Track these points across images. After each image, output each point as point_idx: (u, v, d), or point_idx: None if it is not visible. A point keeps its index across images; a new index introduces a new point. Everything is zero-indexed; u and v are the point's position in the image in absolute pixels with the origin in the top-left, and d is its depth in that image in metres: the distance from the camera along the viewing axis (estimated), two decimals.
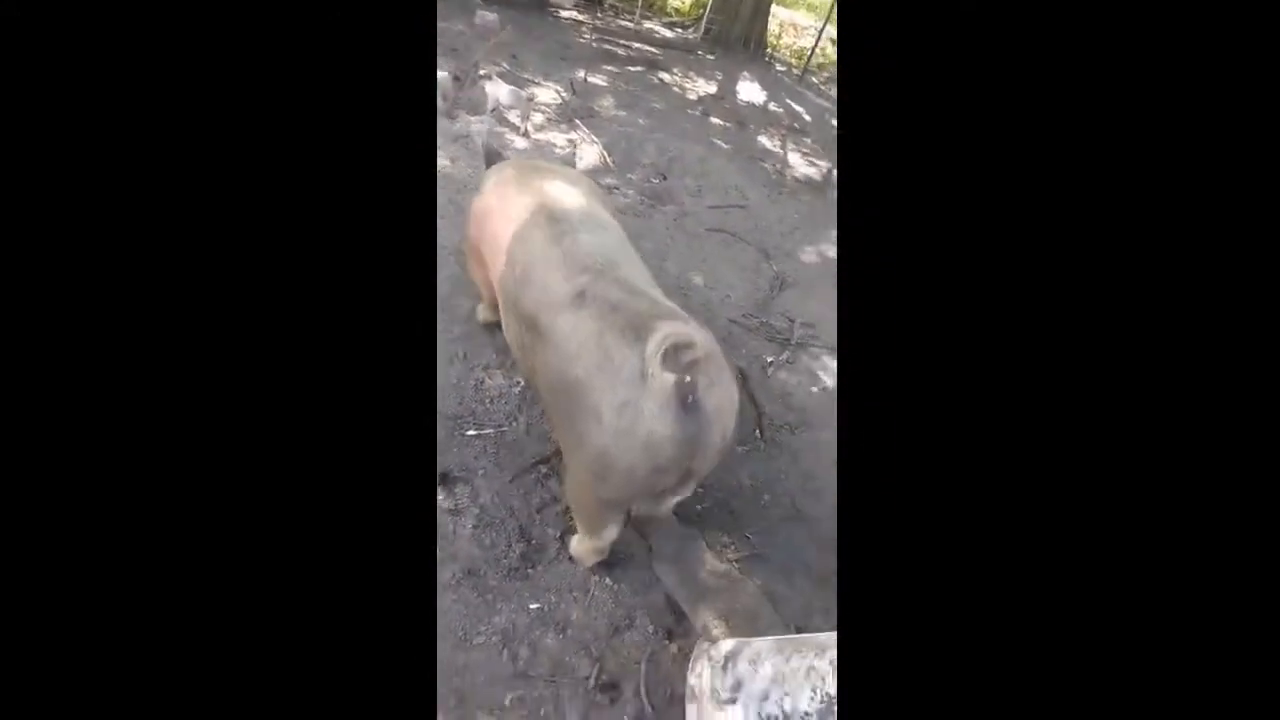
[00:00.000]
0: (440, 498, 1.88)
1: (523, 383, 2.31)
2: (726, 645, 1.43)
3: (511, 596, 1.71)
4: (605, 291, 1.43)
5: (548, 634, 1.66)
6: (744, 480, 2.27)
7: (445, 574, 1.70)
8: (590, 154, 4.25)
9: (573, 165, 3.98)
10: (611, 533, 1.64)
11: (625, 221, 2.08)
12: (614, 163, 4.27)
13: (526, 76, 5.10)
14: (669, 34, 8.30)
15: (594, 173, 3.99)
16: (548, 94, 4.99)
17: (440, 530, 1.80)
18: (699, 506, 2.12)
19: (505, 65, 4.97)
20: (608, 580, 1.81)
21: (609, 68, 6.24)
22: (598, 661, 1.62)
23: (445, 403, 2.15)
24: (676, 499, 1.57)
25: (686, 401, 1.27)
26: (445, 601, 1.65)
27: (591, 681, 1.58)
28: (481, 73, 4.16)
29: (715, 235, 3.80)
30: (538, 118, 4.51)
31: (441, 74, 3.98)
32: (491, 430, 2.12)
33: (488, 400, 2.22)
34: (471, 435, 2.08)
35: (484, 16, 5.95)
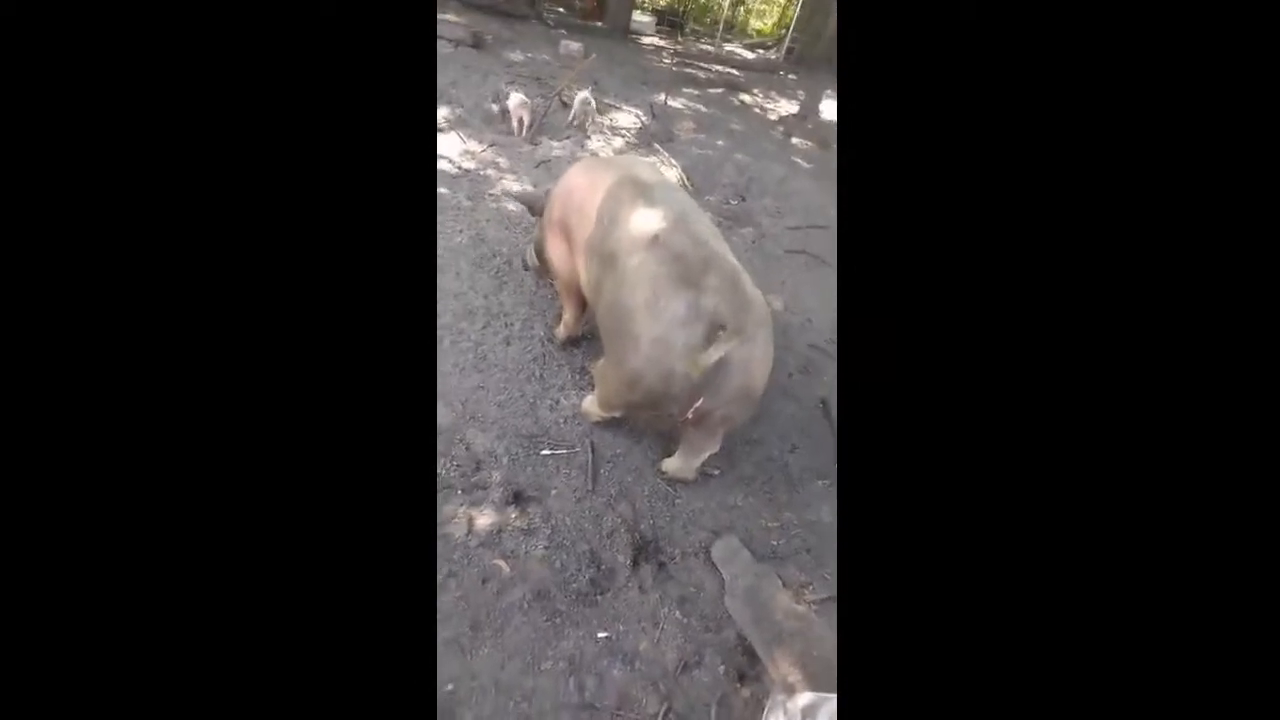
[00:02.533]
0: (513, 516, 1.89)
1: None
2: (804, 699, 1.33)
3: (580, 623, 1.68)
4: (675, 240, 1.72)
5: (615, 665, 1.62)
6: (823, 516, 2.15)
7: (516, 594, 1.70)
8: (669, 177, 4.27)
9: None
10: (616, 414, 2.09)
11: None
12: (693, 185, 4.26)
13: (609, 102, 5.22)
14: (750, 55, 8.29)
15: None
16: (628, 118, 5.07)
17: (514, 549, 1.80)
18: (774, 543, 2.03)
19: (585, 90, 5.10)
20: (678, 613, 1.76)
21: (690, 90, 6.29)
22: (666, 700, 1.56)
23: (521, 422, 2.18)
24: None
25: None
26: (515, 622, 1.64)
27: None
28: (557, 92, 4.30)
29: (796, 257, 3.70)
30: (618, 141, 4.59)
31: (522, 97, 4.14)
32: (565, 450, 2.13)
33: (562, 420, 2.24)
34: (546, 455, 2.09)
35: (567, 45, 6.18)
